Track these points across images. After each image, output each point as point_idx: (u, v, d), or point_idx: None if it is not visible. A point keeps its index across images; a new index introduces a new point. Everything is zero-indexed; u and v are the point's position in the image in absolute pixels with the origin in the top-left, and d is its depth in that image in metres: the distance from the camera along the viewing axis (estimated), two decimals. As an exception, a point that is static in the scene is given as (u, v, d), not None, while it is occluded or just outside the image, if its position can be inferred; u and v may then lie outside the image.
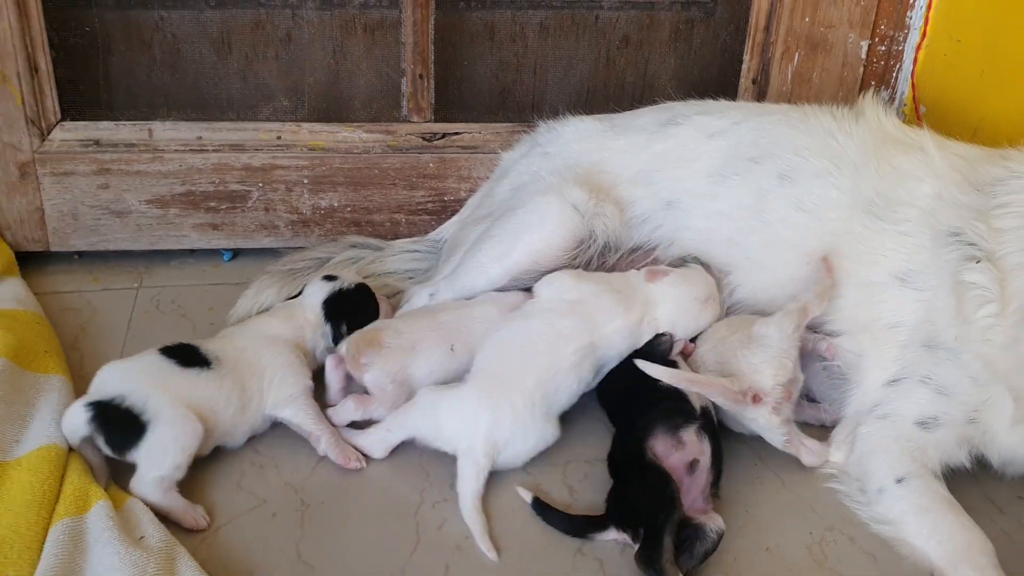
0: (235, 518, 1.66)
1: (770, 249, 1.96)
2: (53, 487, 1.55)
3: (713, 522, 1.58)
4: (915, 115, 2.47)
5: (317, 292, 1.95)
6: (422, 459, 1.78)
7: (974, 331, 1.69)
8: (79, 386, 1.81)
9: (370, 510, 1.69)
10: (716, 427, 1.75)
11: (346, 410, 1.81)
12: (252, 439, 1.82)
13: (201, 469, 1.73)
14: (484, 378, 1.75)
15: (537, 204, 2.04)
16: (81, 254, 2.33)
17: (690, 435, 1.67)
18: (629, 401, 1.79)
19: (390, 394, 1.81)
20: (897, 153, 1.91)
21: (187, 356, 1.73)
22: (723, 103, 2.20)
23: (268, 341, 1.84)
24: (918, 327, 1.79)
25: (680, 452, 1.65)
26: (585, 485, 1.77)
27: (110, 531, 1.48)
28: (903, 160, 1.90)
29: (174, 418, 1.62)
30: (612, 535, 1.61)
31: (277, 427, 1.84)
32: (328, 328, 1.91)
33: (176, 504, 1.62)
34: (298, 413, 1.78)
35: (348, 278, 2.01)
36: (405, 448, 1.79)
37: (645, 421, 1.68)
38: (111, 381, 1.66)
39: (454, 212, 2.40)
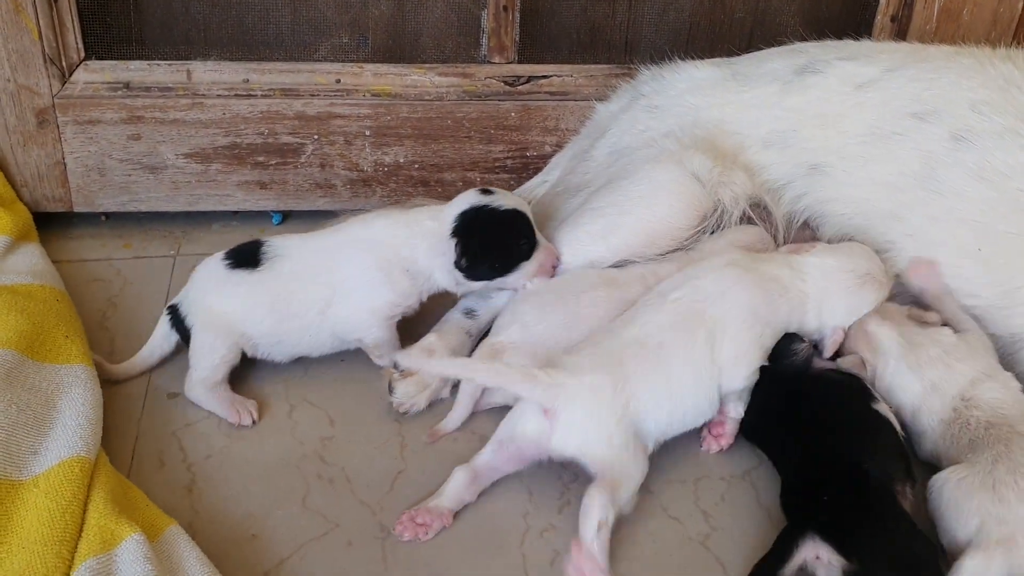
0: (301, 546, 1.37)
1: (940, 225, 1.62)
2: (76, 515, 1.26)
3: None
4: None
5: (460, 202, 1.64)
6: (522, 476, 1.47)
7: None
8: (109, 375, 1.55)
9: (465, 538, 1.40)
10: None
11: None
12: (316, 443, 1.53)
13: (257, 481, 1.45)
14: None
15: (651, 173, 1.73)
16: (109, 216, 2.07)
17: (910, 491, 1.38)
18: (826, 413, 1.48)
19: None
20: None
21: (241, 257, 1.61)
22: (868, 44, 1.87)
23: (353, 246, 1.62)
24: None
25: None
26: (723, 509, 1.46)
27: (147, 574, 1.19)
28: None
29: (204, 327, 1.57)
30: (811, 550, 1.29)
31: (348, 426, 1.56)
32: (454, 244, 1.59)
33: (221, 401, 1.57)
34: (369, 334, 1.62)
35: (506, 201, 1.64)
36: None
37: (884, 461, 1.38)
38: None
39: (537, 170, 2.09)
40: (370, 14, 2.04)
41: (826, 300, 1.56)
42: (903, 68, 1.74)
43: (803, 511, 1.36)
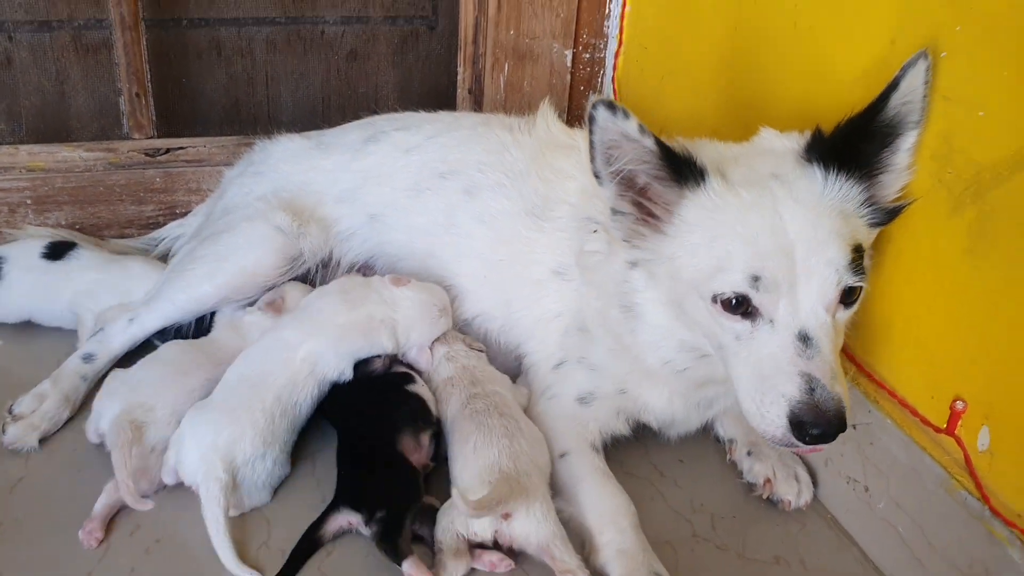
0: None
1: (461, 261, 2.11)
2: None
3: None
4: (619, 117, 2.66)
5: None
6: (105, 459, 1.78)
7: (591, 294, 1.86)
8: None
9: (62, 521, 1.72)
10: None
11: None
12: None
13: None
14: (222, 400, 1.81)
15: (245, 228, 2.11)
16: None
17: (426, 439, 1.82)
18: (370, 399, 1.89)
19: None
20: (559, 156, 2.06)
21: None
22: (422, 116, 2.30)
23: None
24: (575, 314, 1.96)
25: (418, 454, 1.80)
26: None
27: None
28: (563, 162, 2.05)
29: None
30: (343, 518, 1.71)
31: None
32: None
33: None
34: None
35: None
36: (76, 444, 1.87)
37: (395, 418, 1.81)
38: None
39: (187, 224, 2.49)
40: (22, 104, 2.42)
41: (413, 326, 1.99)
42: (439, 136, 2.20)
43: (339, 486, 1.78)
